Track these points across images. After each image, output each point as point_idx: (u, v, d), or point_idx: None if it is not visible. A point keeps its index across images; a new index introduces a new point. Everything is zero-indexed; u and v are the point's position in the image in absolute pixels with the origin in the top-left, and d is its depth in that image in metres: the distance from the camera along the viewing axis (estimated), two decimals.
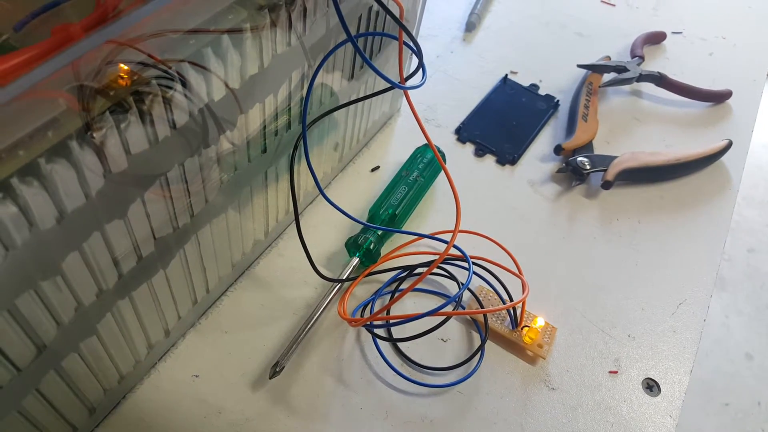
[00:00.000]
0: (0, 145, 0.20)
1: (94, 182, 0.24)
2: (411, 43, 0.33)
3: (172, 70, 0.25)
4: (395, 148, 0.52)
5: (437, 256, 0.44)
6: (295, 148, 0.36)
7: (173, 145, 0.27)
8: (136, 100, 0.24)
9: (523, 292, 0.40)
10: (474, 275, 0.42)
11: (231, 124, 0.31)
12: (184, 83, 0.26)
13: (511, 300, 0.42)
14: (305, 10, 0.31)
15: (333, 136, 0.44)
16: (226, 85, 0.28)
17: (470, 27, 0.63)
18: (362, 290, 0.42)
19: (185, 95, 0.26)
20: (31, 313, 0.24)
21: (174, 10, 0.25)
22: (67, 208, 0.23)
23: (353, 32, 0.38)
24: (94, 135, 0.23)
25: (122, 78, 0.24)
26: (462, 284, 0.41)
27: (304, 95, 0.36)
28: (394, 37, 0.34)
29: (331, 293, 0.40)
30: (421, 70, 0.33)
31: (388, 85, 0.37)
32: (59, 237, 0.24)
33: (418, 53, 0.32)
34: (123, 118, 0.23)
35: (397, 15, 0.30)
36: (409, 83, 0.33)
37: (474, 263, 0.41)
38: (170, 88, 0.25)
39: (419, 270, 0.43)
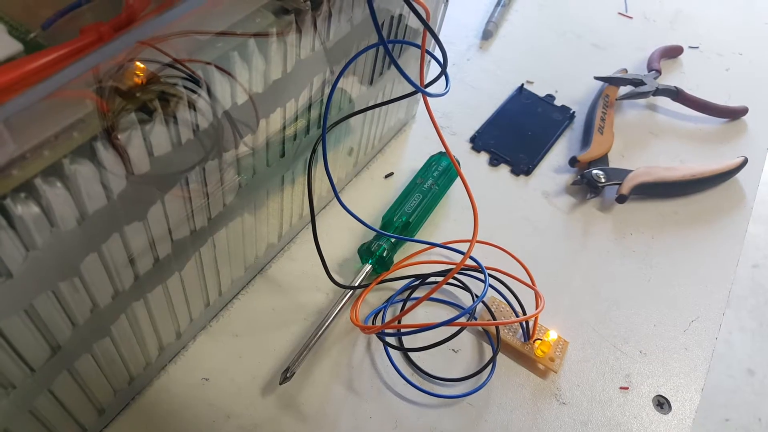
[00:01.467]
0: (25, 145, 0.20)
1: (116, 183, 0.24)
2: (437, 48, 0.32)
3: (197, 74, 0.25)
4: (409, 155, 0.51)
5: (450, 266, 0.44)
6: (313, 152, 0.36)
7: (195, 148, 0.27)
8: (161, 102, 0.24)
9: (538, 306, 0.40)
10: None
11: (252, 128, 0.30)
12: (209, 87, 0.25)
13: (524, 311, 0.42)
14: (330, 15, 0.31)
15: (348, 141, 0.44)
16: (250, 98, 0.28)
17: (487, 35, 0.63)
18: (374, 297, 0.42)
19: (210, 99, 0.26)
20: (47, 313, 0.24)
21: (202, 13, 0.25)
22: (88, 209, 0.23)
23: (376, 40, 0.37)
24: (119, 136, 0.23)
25: (138, 76, 0.23)
26: (476, 296, 0.41)
27: (325, 100, 0.35)
28: (418, 46, 0.34)
29: (343, 300, 0.40)
30: (444, 77, 0.33)
31: (407, 92, 0.37)
32: (79, 238, 0.23)
33: (444, 59, 0.32)
34: (147, 120, 0.23)
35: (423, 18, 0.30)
36: (432, 91, 0.32)
37: (488, 274, 0.41)
38: (194, 92, 0.25)
39: (432, 279, 0.43)
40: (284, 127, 0.34)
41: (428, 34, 0.31)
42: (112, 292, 0.27)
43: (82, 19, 0.24)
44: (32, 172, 0.20)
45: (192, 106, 0.25)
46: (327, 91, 0.35)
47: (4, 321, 0.22)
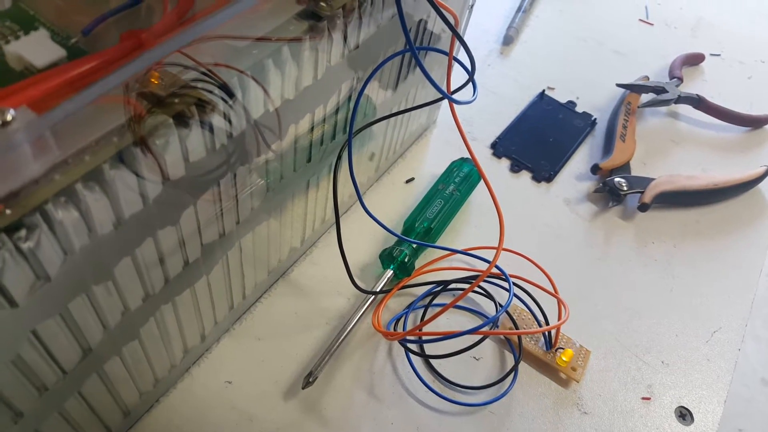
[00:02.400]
0: (68, 150, 0.20)
1: (153, 189, 0.24)
2: (465, 55, 0.32)
3: (230, 84, 0.25)
4: (430, 160, 0.51)
5: (471, 272, 0.44)
6: (339, 157, 0.36)
7: (227, 153, 0.27)
8: (197, 109, 0.24)
9: (561, 314, 0.40)
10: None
11: (282, 134, 0.31)
12: (243, 95, 0.26)
13: (546, 319, 0.42)
14: (360, 22, 0.31)
15: (370, 146, 0.44)
16: (276, 111, 0.28)
17: (508, 41, 0.63)
18: (395, 303, 0.42)
19: (244, 107, 0.26)
20: (81, 316, 0.24)
21: (238, 22, 0.25)
22: (125, 213, 0.23)
23: (402, 46, 0.37)
24: (156, 142, 0.23)
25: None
26: (500, 305, 0.41)
27: (352, 106, 0.36)
28: (445, 53, 0.34)
29: (365, 305, 0.40)
30: (471, 84, 0.33)
31: (430, 98, 0.37)
32: (115, 242, 0.24)
33: (472, 66, 0.32)
34: (183, 127, 0.23)
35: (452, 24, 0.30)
36: (458, 98, 0.32)
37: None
38: (228, 100, 0.25)
39: (453, 286, 0.42)
40: (312, 133, 0.34)
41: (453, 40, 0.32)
42: (143, 295, 0.28)
43: (120, 26, 0.24)
44: (73, 177, 0.20)
45: (227, 113, 0.25)
46: (354, 96, 0.36)
47: (40, 324, 0.22)
